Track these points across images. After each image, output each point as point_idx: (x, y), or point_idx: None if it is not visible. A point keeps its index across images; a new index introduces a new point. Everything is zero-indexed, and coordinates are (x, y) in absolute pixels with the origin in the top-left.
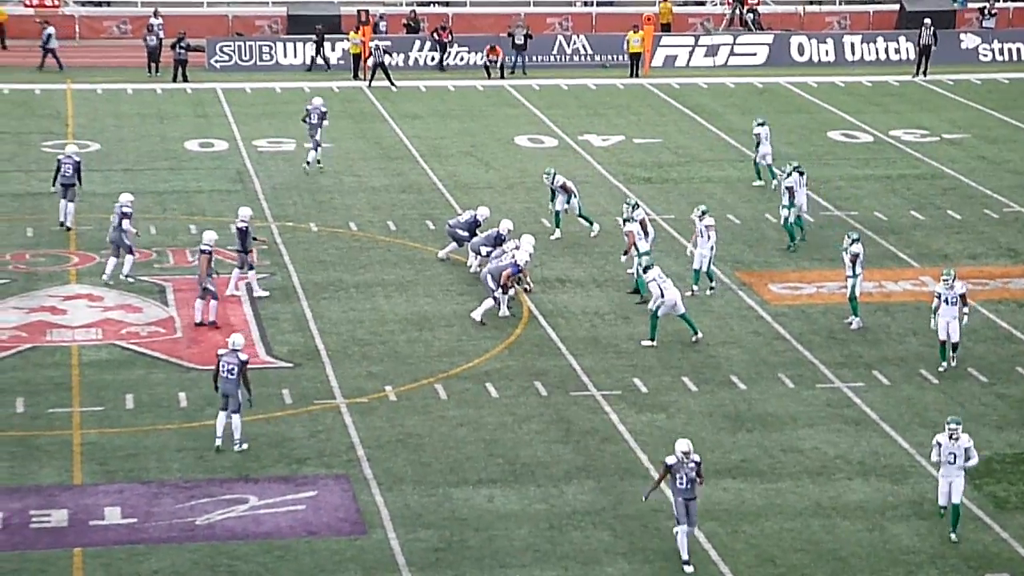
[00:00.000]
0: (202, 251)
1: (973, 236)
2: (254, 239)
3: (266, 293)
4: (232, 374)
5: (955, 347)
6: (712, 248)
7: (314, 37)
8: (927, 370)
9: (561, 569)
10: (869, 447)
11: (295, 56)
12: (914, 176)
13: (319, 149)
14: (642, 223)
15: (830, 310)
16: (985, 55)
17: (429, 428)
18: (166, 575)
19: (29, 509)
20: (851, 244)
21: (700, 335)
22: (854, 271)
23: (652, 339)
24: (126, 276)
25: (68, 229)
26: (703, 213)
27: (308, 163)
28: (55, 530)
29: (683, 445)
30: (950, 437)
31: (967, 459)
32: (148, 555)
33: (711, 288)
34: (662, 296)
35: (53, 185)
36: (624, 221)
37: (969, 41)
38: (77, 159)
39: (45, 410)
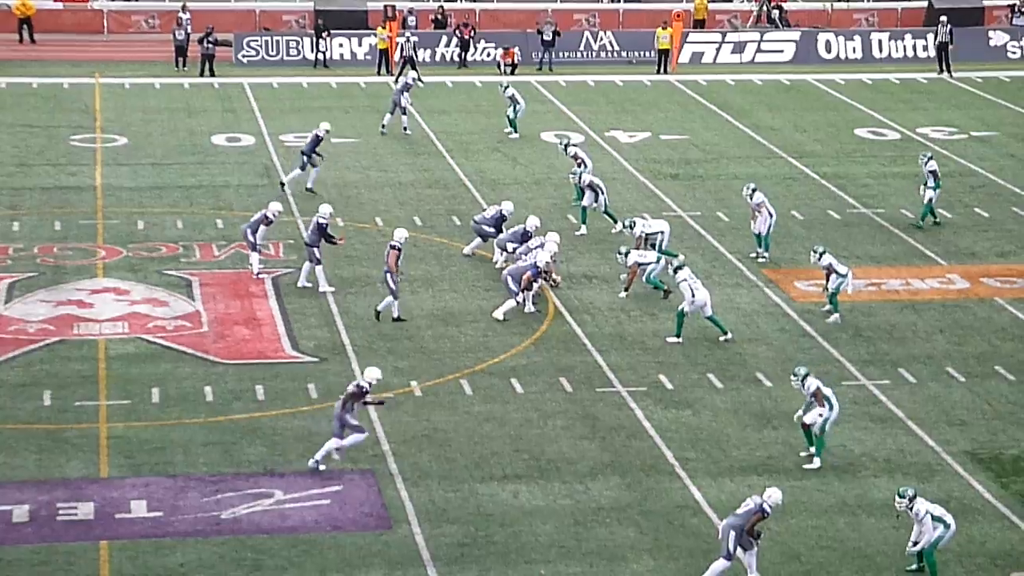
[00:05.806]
0: (391, 247)
1: (1001, 234)
2: (329, 237)
3: (331, 288)
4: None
5: (811, 440)
6: (767, 224)
7: (323, 33)
8: (954, 368)
9: (586, 565)
10: (895, 445)
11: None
12: (942, 174)
13: (401, 114)
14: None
15: (856, 308)
16: (1014, 52)
17: (454, 423)
18: (192, 568)
19: (56, 502)
20: (818, 259)
21: (730, 335)
22: (839, 274)
23: (678, 336)
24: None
25: (308, 191)
26: (753, 191)
27: (384, 124)
28: (82, 523)
29: (777, 496)
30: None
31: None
32: (174, 548)
33: (762, 255)
34: (692, 296)
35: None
36: (625, 254)
37: (998, 38)
38: (317, 134)
39: (72, 403)
